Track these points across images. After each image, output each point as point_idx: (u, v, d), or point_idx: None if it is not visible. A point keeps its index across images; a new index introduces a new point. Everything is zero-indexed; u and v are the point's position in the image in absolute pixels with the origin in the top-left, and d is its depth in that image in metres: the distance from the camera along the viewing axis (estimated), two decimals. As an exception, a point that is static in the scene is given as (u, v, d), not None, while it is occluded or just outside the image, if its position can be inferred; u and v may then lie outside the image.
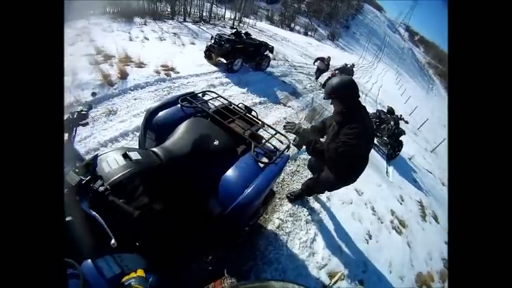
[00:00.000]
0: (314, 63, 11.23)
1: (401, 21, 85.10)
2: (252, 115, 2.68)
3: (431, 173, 10.13)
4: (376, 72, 29.60)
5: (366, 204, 4.97)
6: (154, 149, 1.82)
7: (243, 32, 8.35)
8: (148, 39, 8.40)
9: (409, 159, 9.37)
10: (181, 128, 2.08)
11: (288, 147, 2.36)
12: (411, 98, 23.44)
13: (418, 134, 15.37)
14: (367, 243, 4.12)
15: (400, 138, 7.93)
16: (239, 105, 2.78)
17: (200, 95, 2.68)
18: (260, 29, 20.29)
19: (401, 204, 6.00)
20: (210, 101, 2.70)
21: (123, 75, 5.31)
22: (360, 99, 2.63)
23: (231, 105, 2.73)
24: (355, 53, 36.20)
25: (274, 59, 11.45)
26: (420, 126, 16.81)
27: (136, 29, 9.24)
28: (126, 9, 10.30)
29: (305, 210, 3.91)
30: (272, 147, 2.30)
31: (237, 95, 6.46)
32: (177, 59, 7.06)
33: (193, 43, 8.96)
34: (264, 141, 2.31)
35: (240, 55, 7.56)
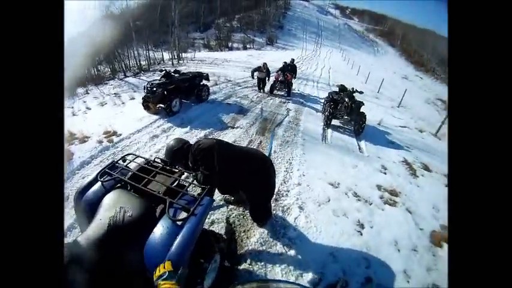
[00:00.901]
0: (252, 77, 10.85)
1: (329, 2, 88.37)
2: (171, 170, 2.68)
3: (405, 127, 9.98)
4: (321, 57, 30.18)
5: (347, 194, 4.57)
6: (78, 239, 1.78)
7: (172, 70, 8.07)
8: (90, 109, 8.04)
9: (379, 124, 9.18)
10: (102, 207, 2.04)
11: (210, 191, 2.36)
12: (362, 67, 23.83)
13: (380, 97, 15.40)
14: (361, 234, 3.70)
15: (361, 110, 7.70)
16: (156, 160, 2.84)
17: (121, 161, 2.65)
18: (200, 59, 20.29)
19: (385, 174, 5.66)
20: (130, 164, 2.67)
21: (69, 157, 5.02)
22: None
23: (148, 163, 2.69)
24: (296, 47, 36.89)
25: (217, 84, 11.28)
26: (379, 89, 16.91)
27: (79, 100, 8.91)
28: (67, 84, 9.89)
29: (278, 231, 3.46)
30: (192, 197, 2.13)
31: (181, 137, 6.04)
32: (118, 120, 6.78)
33: (133, 98, 8.64)
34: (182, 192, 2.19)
35: (175, 95, 7.28)
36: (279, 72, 10.96)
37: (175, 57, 18.88)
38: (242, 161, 2.74)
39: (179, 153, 2.65)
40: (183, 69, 14.61)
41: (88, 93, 9.69)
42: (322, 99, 10.84)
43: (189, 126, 6.65)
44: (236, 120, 7.48)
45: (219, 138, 6.08)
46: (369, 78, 19.81)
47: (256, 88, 11.23)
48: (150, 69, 15.03)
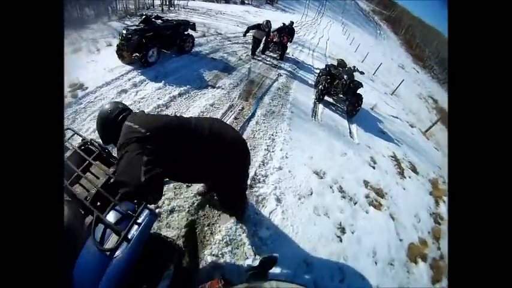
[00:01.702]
0: (244, 35, 8.82)
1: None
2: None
3: (397, 117, 9.43)
4: (321, 27, 28.53)
5: (332, 187, 3.93)
6: None
7: (153, 16, 6.76)
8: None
9: (372, 109, 8.51)
10: None
11: (145, 206, 1.50)
12: (361, 46, 22.72)
13: (375, 80, 14.65)
14: (341, 240, 3.13)
15: (358, 91, 6.91)
16: (93, 142, 1.94)
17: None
18: (193, 8, 18.38)
19: (374, 168, 5.07)
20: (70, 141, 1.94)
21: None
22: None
23: (85, 147, 1.92)
24: (297, 12, 34.46)
25: (204, 36, 9.95)
26: (375, 71, 16.11)
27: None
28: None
29: (247, 228, 2.77)
30: (126, 212, 1.45)
31: (151, 94, 5.10)
32: (87, 70, 5.65)
33: (109, 44, 7.24)
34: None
35: (153, 44, 6.14)
36: (275, 33, 9.77)
37: (166, 3, 17.06)
38: (200, 145, 1.77)
39: (110, 129, 1.74)
40: (172, 16, 12.84)
41: (65, 38, 8.07)
42: (316, 69, 9.90)
43: (163, 81, 5.63)
44: (219, 78, 6.50)
45: (196, 99, 5.24)
46: (366, 58, 18.86)
47: (246, 46, 10.03)
48: (138, 13, 13.19)
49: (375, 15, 61.55)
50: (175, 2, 18.75)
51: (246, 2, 32.11)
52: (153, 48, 6.12)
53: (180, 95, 5.30)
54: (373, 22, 53.26)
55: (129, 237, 1.34)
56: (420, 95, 20.84)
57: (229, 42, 10.06)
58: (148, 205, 1.49)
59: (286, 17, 25.42)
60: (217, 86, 6.06)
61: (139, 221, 1.41)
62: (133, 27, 6.12)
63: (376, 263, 3.08)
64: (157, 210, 2.66)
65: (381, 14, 65.51)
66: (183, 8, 18.18)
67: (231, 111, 5.14)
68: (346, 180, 4.23)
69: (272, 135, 4.70)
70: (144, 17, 6.39)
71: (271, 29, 9.44)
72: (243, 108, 5.35)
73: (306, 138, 5.02)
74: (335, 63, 8.26)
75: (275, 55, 10.05)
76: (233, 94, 5.83)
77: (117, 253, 1.30)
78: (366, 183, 4.44)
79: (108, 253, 1.29)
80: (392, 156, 5.96)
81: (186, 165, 1.73)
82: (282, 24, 10.25)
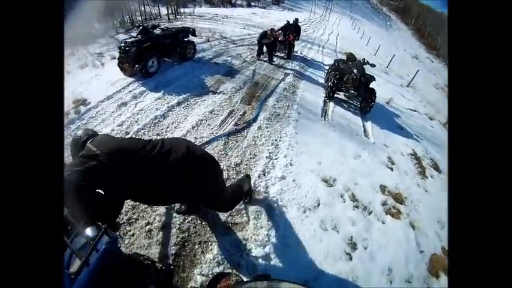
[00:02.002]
0: (259, 53, 8.60)
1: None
2: None
3: (415, 111, 8.76)
4: (329, 23, 27.77)
5: (343, 196, 3.50)
6: None
7: (150, 26, 6.58)
8: (69, 73, 6.57)
9: (387, 103, 7.91)
10: None
11: (105, 232, 1.46)
12: (372, 39, 21.84)
13: (389, 72, 13.93)
14: (350, 258, 2.71)
15: (371, 86, 6.39)
16: None
17: None
18: (199, 15, 18.27)
19: (392, 170, 4.56)
20: None
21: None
22: None
23: None
24: (305, 9, 33.81)
25: (209, 41, 9.64)
26: (389, 63, 15.35)
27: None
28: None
29: (241, 247, 2.41)
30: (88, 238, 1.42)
31: (150, 105, 4.86)
32: (91, 85, 5.55)
33: (114, 57, 7.10)
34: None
35: (152, 54, 5.96)
36: (280, 31, 9.36)
37: (173, 12, 16.91)
38: (153, 166, 1.68)
39: (77, 154, 1.72)
40: (178, 24, 12.54)
41: (74, 55, 7.99)
42: (326, 66, 9.36)
43: (162, 91, 5.37)
44: (221, 83, 6.17)
45: (195, 107, 4.92)
46: (379, 51, 18.06)
47: (251, 47, 9.69)
48: (144, 24, 13.17)
49: (383, 7, 59.59)
50: (182, 10, 18.73)
51: (252, 4, 31.84)
52: (152, 58, 5.93)
53: (178, 103, 5.01)
54: (381, 14, 51.63)
55: (90, 262, 1.38)
56: (437, 84, 19.82)
57: (234, 46, 9.74)
58: (109, 230, 1.50)
59: (293, 15, 24.95)
60: (218, 91, 5.72)
61: (101, 245, 1.46)
62: (131, 39, 5.97)
63: (391, 281, 2.65)
64: (147, 227, 2.51)
65: (388, 5, 63.36)
66: (190, 15, 18.04)
67: (231, 116, 4.79)
68: (359, 186, 3.78)
69: (276, 140, 4.31)
70: (141, 27, 6.23)
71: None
72: (244, 113, 4.98)
73: (315, 141, 4.59)
74: (344, 57, 7.77)
75: (282, 54, 9.58)
76: (235, 98, 5.48)
77: (79, 279, 1.36)
78: (383, 188, 3.96)
79: (72, 276, 1.34)
80: (412, 154, 5.41)
81: (144, 186, 1.67)
82: (286, 22, 9.84)
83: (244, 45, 10.11)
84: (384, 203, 3.64)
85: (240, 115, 4.88)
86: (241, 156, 3.79)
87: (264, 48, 8.55)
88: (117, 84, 5.60)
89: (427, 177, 4.81)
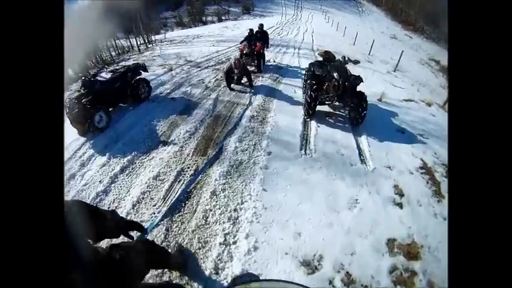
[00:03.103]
0: (230, 86, 6.51)
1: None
2: None
3: (411, 100, 7.22)
4: (302, 21, 26.27)
5: (332, 282, 2.21)
6: None
7: (91, 75, 5.39)
8: None
9: (380, 100, 6.36)
10: None
11: None
12: (348, 29, 20.27)
13: (373, 60, 12.38)
14: None
15: (358, 89, 4.82)
16: None
17: None
18: (170, 39, 16.93)
19: (401, 206, 3.17)
20: None
21: None
22: None
23: None
24: (275, 13, 32.22)
25: (171, 70, 8.13)
26: (370, 50, 13.78)
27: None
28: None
29: None
30: None
31: (94, 177, 3.62)
32: None
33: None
34: None
35: (97, 107, 4.73)
36: (244, 43, 7.81)
37: (143, 41, 15.60)
38: None
39: None
40: (147, 54, 11.38)
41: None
42: (304, 70, 7.85)
43: (108, 153, 4.07)
44: (174, 127, 4.72)
45: (138, 173, 3.66)
46: (357, 39, 16.47)
47: (218, 67, 8.19)
48: (116, 60, 11.77)
49: None
50: (154, 38, 17.35)
51: (223, 18, 30.49)
52: (98, 112, 4.69)
53: (122, 170, 3.70)
54: (352, 1, 50.01)
55: None
56: (421, 61, 18.28)
57: (197, 70, 8.21)
58: None
59: (266, 21, 23.55)
60: (169, 140, 4.28)
61: None
62: (74, 95, 4.86)
63: None
64: None
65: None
66: (161, 41, 16.70)
67: (179, 180, 3.34)
68: (357, 257, 2.43)
69: (235, 210, 2.89)
70: (82, 79, 5.04)
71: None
72: (196, 170, 3.49)
73: (291, 196, 3.13)
74: (320, 58, 6.19)
75: (252, 68, 7.84)
76: (187, 149, 4.01)
77: None
78: (391, 245, 2.61)
79: None
80: (421, 168, 3.97)
81: None
82: (248, 31, 8.29)
83: (210, 66, 8.59)
84: (393, 270, 2.27)
85: (191, 175, 3.39)
86: (187, 248, 2.48)
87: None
88: (70, 148, 4.37)
89: (443, 196, 3.42)
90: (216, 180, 3.31)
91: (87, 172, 3.80)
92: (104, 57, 11.81)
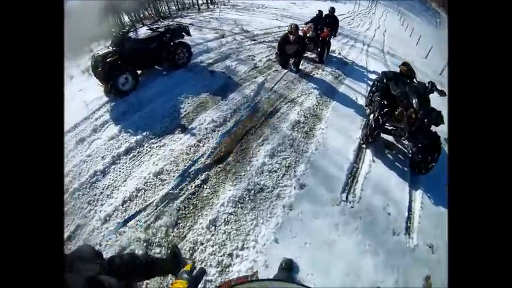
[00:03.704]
0: (282, 51, 5.34)
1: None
2: None
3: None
4: (376, 16, 23.38)
5: None
6: None
7: (122, 32, 4.42)
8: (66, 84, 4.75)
9: (446, 140, 4.82)
10: None
11: None
12: (423, 37, 17.61)
13: (444, 82, 10.38)
14: None
15: (435, 130, 3.38)
16: None
17: None
18: (234, 4, 15.65)
19: None
20: None
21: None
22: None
23: None
24: (349, 1, 29.39)
25: (222, 37, 7.10)
26: (442, 71, 11.63)
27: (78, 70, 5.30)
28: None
29: None
30: None
31: (99, 149, 3.17)
32: (72, 104, 3.98)
33: None
34: None
35: (123, 68, 4.11)
36: (309, 24, 6.38)
37: (206, 1, 14.33)
38: None
39: None
40: (206, 15, 10.34)
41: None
42: (372, 73, 6.37)
43: (121, 124, 3.52)
44: (201, 110, 3.84)
45: (142, 160, 3.07)
46: (430, 52, 14.09)
47: (273, 45, 6.88)
48: (173, 14, 10.73)
49: (432, 2, 51.25)
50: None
51: (294, -7, 28.12)
52: (124, 74, 4.11)
53: (127, 151, 3.12)
54: (430, 9, 44.27)
55: None
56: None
57: (250, 43, 7.07)
58: None
59: (338, 7, 21.22)
60: (189, 127, 3.46)
61: None
62: (102, 52, 4.17)
63: None
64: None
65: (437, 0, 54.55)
66: (224, 4, 15.34)
67: (180, 190, 2.49)
68: None
69: (230, 255, 2.18)
70: (113, 35, 4.33)
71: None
72: (204, 182, 2.59)
73: (305, 261, 2.20)
74: (397, 69, 4.68)
75: (312, 55, 6.50)
76: (205, 146, 3.14)
77: None
78: None
79: None
80: None
81: None
82: (317, 12, 6.85)
83: (266, 42, 7.39)
84: None
85: (196, 186, 2.52)
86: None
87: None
88: (91, 105, 3.97)
89: None
90: (222, 204, 2.45)
91: (95, 141, 3.33)
92: (160, 10, 10.96)
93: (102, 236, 2.29)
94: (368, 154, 3.54)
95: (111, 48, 4.19)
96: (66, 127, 3.56)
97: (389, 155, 3.69)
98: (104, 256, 1.38)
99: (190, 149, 3.01)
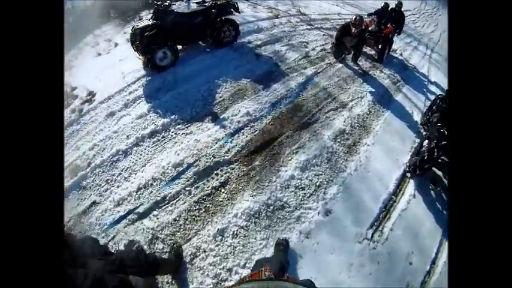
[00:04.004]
0: (338, 56, 5.04)
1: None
2: None
3: None
4: (442, 18, 20.91)
5: None
6: None
7: (164, 5, 4.18)
8: (109, 51, 4.90)
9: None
10: None
11: None
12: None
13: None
14: None
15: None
16: None
17: None
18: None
19: None
20: None
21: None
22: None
23: None
24: (419, -3, 26.35)
25: (277, 17, 6.47)
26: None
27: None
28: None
29: None
30: None
31: (126, 127, 3.10)
32: (110, 73, 4.04)
33: None
34: None
35: (164, 42, 3.93)
36: (373, 17, 5.63)
37: None
38: None
39: None
40: None
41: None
42: (432, 84, 5.52)
43: (153, 103, 3.40)
44: (238, 98, 3.53)
45: (165, 146, 2.92)
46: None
47: (329, 33, 6.19)
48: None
49: None
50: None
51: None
52: (162, 49, 3.93)
53: (152, 134, 2.98)
54: None
55: None
56: None
57: (305, 27, 6.43)
58: None
59: (404, 2, 19.03)
60: (221, 117, 3.19)
61: None
62: (142, 24, 4.00)
63: None
64: None
65: None
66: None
67: (196, 188, 2.30)
68: None
69: (229, 270, 2.04)
70: (155, 7, 4.13)
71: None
72: (224, 182, 2.35)
73: None
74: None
75: (371, 52, 5.74)
76: (233, 142, 2.84)
77: None
78: None
79: None
80: None
81: None
82: (383, 5, 5.97)
83: (323, 28, 6.71)
84: None
85: (213, 188, 2.29)
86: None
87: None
88: (128, 77, 3.89)
89: None
90: (235, 215, 2.21)
91: (124, 117, 3.25)
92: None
93: (112, 218, 2.22)
94: (410, 186, 3.01)
95: (151, 21, 3.98)
96: (100, 97, 3.53)
97: (432, 192, 3.14)
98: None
99: (216, 143, 2.77)
